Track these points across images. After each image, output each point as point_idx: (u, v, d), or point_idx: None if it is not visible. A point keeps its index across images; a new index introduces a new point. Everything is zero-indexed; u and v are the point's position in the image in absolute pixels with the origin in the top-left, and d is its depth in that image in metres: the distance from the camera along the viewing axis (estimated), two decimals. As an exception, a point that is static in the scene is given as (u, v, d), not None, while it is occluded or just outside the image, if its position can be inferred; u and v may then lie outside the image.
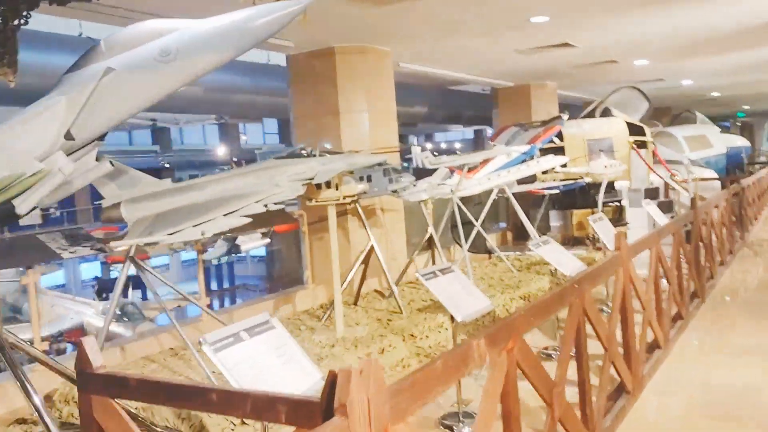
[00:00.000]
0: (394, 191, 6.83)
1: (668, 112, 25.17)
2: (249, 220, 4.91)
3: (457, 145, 41.93)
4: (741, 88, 20.14)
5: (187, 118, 32.26)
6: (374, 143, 8.72)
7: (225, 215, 4.85)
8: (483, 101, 18.01)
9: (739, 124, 43.32)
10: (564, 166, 12.65)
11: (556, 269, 8.61)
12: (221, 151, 39.42)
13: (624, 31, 9.53)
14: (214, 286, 32.27)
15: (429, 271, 4.72)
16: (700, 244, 7.58)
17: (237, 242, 29.26)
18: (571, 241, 12.65)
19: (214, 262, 31.25)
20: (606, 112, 13.55)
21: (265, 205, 5.01)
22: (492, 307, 4.89)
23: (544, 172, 12.37)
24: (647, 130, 13.28)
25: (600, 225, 7.61)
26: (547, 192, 10.58)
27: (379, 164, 6.77)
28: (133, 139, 39.45)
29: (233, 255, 29.67)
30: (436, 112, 20.49)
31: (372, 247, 7.05)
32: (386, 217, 9.01)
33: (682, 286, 6.25)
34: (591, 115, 13.83)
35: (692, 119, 21.01)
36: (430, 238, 7.66)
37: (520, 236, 13.38)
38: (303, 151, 5.33)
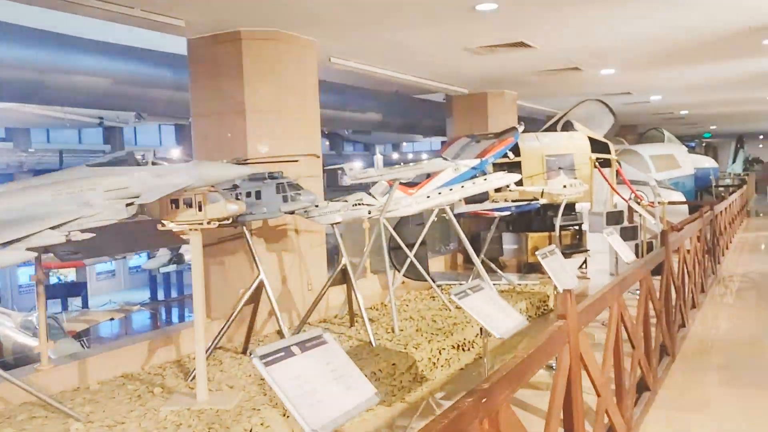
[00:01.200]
0: (291, 212, 5.32)
1: (634, 130, 24.19)
2: (33, 255, 3.35)
3: (424, 156, 40.51)
4: (709, 107, 19.18)
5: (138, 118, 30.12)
6: (290, 150, 7.20)
7: None
8: (442, 110, 16.68)
9: (704, 144, 43.04)
10: (519, 184, 11.36)
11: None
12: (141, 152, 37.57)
13: (586, 32, 8.23)
14: (161, 295, 30.35)
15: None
16: (672, 286, 6.24)
17: (180, 251, 27.44)
18: (525, 267, 11.30)
19: (161, 270, 29.41)
20: (567, 126, 12.28)
21: (67, 234, 3.47)
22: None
23: (497, 191, 11.05)
24: (611, 147, 12.04)
25: (551, 262, 6.10)
26: (496, 214, 9.18)
27: (273, 178, 5.27)
28: (84, 138, 37.40)
29: (177, 264, 27.88)
30: (391, 120, 19.06)
31: (262, 282, 5.50)
32: (302, 240, 7.49)
33: (650, 349, 4.87)
34: (553, 128, 12.56)
35: (659, 138, 20.00)
36: (344, 271, 6.15)
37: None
38: (136, 157, 3.77)
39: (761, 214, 22.60)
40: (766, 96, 16.52)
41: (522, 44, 8.64)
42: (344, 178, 7.29)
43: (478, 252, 11.55)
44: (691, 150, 22.81)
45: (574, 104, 13.36)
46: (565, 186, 10.53)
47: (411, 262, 10.05)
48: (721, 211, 11.53)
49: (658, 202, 10.83)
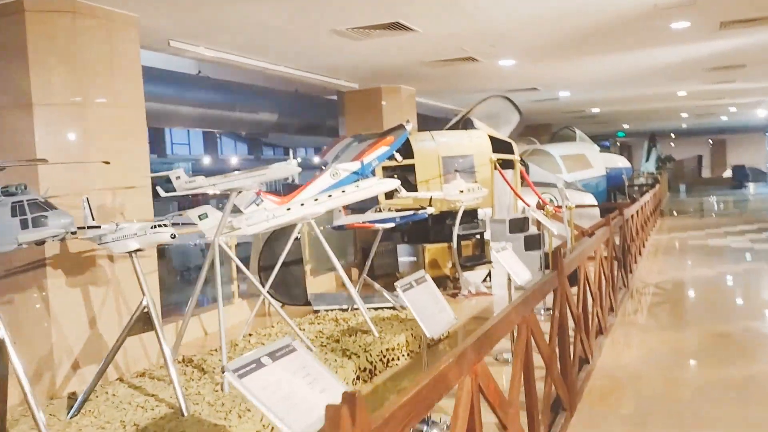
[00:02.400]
0: (38, 242, 3.74)
1: (549, 130, 23.51)
2: None
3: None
4: (620, 104, 18.59)
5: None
6: (95, 155, 5.60)
7: None
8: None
9: (618, 144, 43.43)
10: (415, 189, 10.09)
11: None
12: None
13: (474, 13, 6.99)
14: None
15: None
16: (569, 318, 5.01)
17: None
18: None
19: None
20: (467, 124, 11.11)
21: None
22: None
23: (388, 197, 9.72)
24: (515, 146, 10.94)
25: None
26: (378, 226, 7.82)
27: (8, 194, 3.68)
28: None
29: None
30: (288, 121, 17.50)
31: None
32: (117, 269, 5.88)
33: (534, 413, 3.58)
34: (456, 128, 11.36)
35: (571, 137, 19.26)
36: (147, 316, 4.61)
37: (375, 274, 10.64)
38: None
39: (675, 213, 22.33)
40: (677, 91, 15.96)
41: (400, 26, 7.32)
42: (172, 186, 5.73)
43: (369, 267, 10.21)
44: (605, 149, 22.32)
45: (478, 101, 12.23)
46: (462, 191, 9.33)
47: (284, 283, 8.63)
48: (632, 215, 10.60)
49: (566, 206, 9.75)
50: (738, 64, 11.73)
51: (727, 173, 39.95)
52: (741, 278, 9.89)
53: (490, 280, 10.51)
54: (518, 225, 9.56)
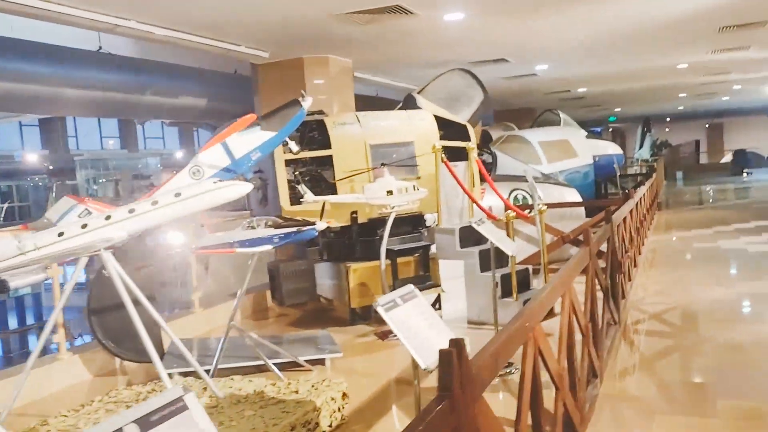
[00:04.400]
0: None
1: (532, 115, 20.88)
2: None
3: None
4: (611, 81, 16.02)
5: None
6: None
7: None
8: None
9: (610, 129, 40.86)
10: (332, 190, 7.54)
11: None
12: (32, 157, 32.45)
13: None
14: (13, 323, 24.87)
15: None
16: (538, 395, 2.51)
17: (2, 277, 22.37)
18: (350, 316, 7.48)
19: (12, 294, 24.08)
20: (409, 102, 8.54)
21: None
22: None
23: (294, 203, 7.16)
24: (471, 131, 8.38)
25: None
26: (249, 250, 5.25)
27: None
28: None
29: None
30: (223, 106, 14.89)
31: None
32: None
33: None
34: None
35: (555, 120, 16.69)
36: None
37: (284, 302, 8.08)
38: None
39: (673, 203, 19.87)
40: (677, 63, 13.40)
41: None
42: None
43: (279, 293, 7.69)
44: (595, 135, 19.74)
45: (434, 76, 9.69)
46: (389, 191, 6.78)
47: (125, 331, 6.09)
48: (625, 218, 8.08)
49: (537, 209, 7.19)
50: (757, 21, 9.19)
51: (727, 158, 37.50)
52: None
53: (440, 307, 7.99)
54: (473, 236, 7.03)
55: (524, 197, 10.22)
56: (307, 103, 5.62)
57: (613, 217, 6.68)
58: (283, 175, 7.15)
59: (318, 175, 7.45)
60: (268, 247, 5.25)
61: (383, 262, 6.90)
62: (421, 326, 3.19)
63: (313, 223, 5.19)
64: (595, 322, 4.83)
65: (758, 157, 34.88)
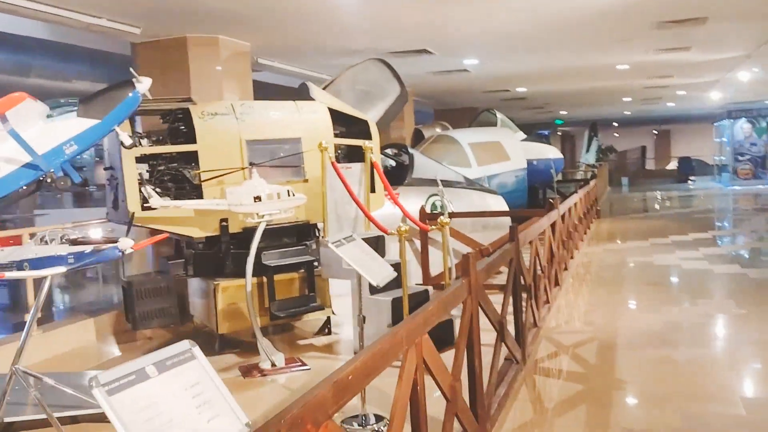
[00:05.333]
0: None
1: (474, 115, 19.94)
2: None
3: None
4: (549, 81, 15.18)
5: None
6: None
7: None
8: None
9: (559, 133, 40.41)
10: (196, 193, 6.34)
11: None
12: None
13: None
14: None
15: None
16: None
17: None
18: (217, 344, 6.29)
19: None
20: (301, 92, 7.38)
21: None
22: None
23: (145, 208, 5.93)
24: (374, 128, 7.29)
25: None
26: (25, 275, 4.03)
27: None
28: None
29: None
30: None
31: None
32: None
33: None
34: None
35: (493, 121, 15.75)
36: None
37: (137, 326, 6.80)
38: None
39: (614, 211, 19.22)
40: (617, 64, 12.58)
41: None
42: None
43: (132, 317, 6.47)
44: (538, 139, 18.89)
45: (349, 66, 8.59)
46: (257, 197, 5.62)
47: None
48: (545, 231, 7.08)
49: (442, 221, 6.11)
50: (697, 16, 8.35)
51: (672, 165, 37.45)
52: (701, 333, 6.51)
53: (329, 332, 6.88)
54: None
55: (443, 204, 9.18)
56: (143, 86, 4.46)
57: (522, 234, 5.62)
58: (131, 173, 5.89)
59: (181, 175, 6.22)
60: (62, 269, 4.02)
61: (249, 280, 5.74)
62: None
63: (116, 241, 3.98)
64: (474, 381, 3.75)
65: (703, 165, 34.83)
